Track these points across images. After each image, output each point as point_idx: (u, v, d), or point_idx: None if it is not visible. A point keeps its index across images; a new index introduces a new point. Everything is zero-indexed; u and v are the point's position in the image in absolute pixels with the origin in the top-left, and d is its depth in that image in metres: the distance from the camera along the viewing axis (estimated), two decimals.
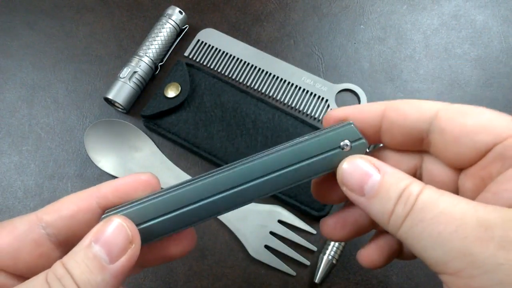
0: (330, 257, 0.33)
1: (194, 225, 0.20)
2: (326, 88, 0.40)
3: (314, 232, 0.35)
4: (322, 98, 0.40)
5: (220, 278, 0.35)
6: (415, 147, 0.20)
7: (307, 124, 0.38)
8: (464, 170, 0.19)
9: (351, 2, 0.43)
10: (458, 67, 0.41)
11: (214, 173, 0.20)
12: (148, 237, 0.19)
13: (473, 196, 0.18)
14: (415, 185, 0.17)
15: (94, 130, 0.38)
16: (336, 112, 0.21)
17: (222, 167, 0.20)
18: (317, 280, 0.33)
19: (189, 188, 0.19)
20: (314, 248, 0.35)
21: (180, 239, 0.21)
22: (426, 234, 0.16)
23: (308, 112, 0.39)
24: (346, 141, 0.20)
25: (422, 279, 0.34)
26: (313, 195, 0.23)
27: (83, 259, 0.16)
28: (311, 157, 0.20)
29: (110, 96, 0.38)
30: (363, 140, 0.20)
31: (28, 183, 0.38)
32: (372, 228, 0.23)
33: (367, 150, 0.20)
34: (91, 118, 0.40)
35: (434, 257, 0.16)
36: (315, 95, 0.40)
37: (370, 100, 0.40)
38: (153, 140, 0.39)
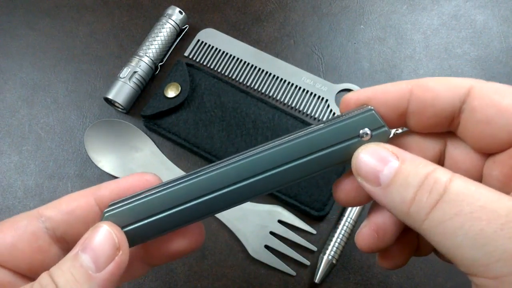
0: (330, 257, 0.33)
1: (192, 222, 0.19)
2: (326, 88, 0.40)
3: (314, 232, 0.35)
4: (322, 98, 0.40)
5: (220, 278, 0.35)
6: (442, 128, 0.19)
7: (307, 124, 0.38)
8: (492, 156, 0.18)
9: (351, 2, 0.43)
10: (458, 67, 0.41)
11: (221, 165, 0.18)
12: (140, 239, 0.18)
13: (500, 186, 0.17)
14: (442, 172, 0.15)
15: (94, 130, 0.38)
16: (356, 95, 0.19)
17: (228, 158, 0.18)
18: (317, 280, 0.33)
19: (186, 185, 0.18)
20: (314, 248, 0.35)
21: (187, 235, 0.20)
22: (463, 231, 0.14)
23: (308, 112, 0.39)
24: (366, 129, 0.18)
25: (422, 279, 0.34)
26: (334, 198, 0.21)
27: (69, 268, 0.16)
28: (327, 148, 0.18)
29: (110, 96, 0.38)
30: (385, 128, 0.18)
31: (28, 183, 0.38)
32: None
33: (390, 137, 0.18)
34: (91, 118, 0.40)
35: (471, 258, 0.14)
36: (315, 95, 0.40)
37: None
38: (153, 140, 0.39)
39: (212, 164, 0.19)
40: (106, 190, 0.19)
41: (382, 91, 0.19)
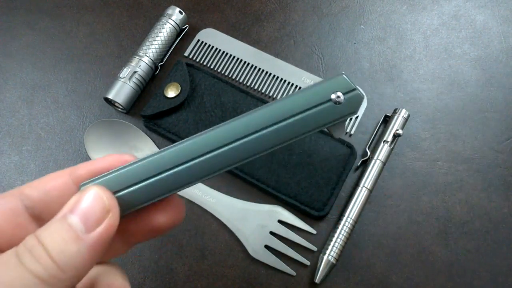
0: (330, 257, 0.33)
1: (175, 191, 0.18)
2: None
3: (314, 232, 0.35)
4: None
5: (220, 278, 0.35)
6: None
7: None
8: None
9: (351, 2, 0.43)
10: (458, 67, 0.41)
11: (197, 135, 0.18)
12: (128, 206, 0.18)
13: None
14: None
15: (94, 130, 0.38)
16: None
17: (208, 129, 0.18)
18: (317, 280, 0.33)
19: (167, 152, 0.18)
20: (314, 248, 0.35)
21: (166, 209, 0.20)
22: None
23: None
24: (338, 93, 0.18)
25: (422, 279, 0.34)
26: None
27: (58, 230, 0.16)
28: (300, 112, 0.18)
29: (110, 96, 0.38)
30: (357, 91, 0.18)
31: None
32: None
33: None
34: (91, 118, 0.40)
35: None
36: None
37: (370, 100, 0.40)
38: (153, 140, 0.39)
39: (180, 141, 0.19)
40: (83, 170, 0.19)
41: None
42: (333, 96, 0.18)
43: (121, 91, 0.38)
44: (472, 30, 0.42)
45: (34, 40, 0.43)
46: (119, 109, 0.40)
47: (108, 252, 0.18)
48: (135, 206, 0.18)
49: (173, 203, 0.20)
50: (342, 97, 0.18)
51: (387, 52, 0.41)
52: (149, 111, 0.38)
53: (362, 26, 0.43)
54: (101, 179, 0.18)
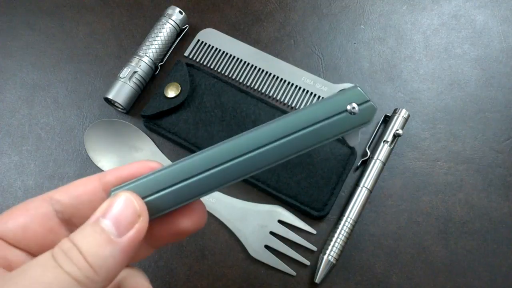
0: (330, 257, 0.33)
1: (200, 197, 0.19)
2: (326, 88, 0.40)
3: (314, 232, 0.35)
4: (322, 98, 0.40)
5: (220, 278, 0.35)
6: None
7: None
8: None
9: (351, 2, 0.43)
10: (458, 67, 0.41)
11: (221, 143, 0.19)
12: (156, 211, 0.19)
13: None
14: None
15: (94, 130, 0.38)
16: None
17: (230, 138, 0.20)
18: (317, 280, 0.33)
19: (194, 159, 0.19)
20: (314, 248, 0.35)
21: (190, 213, 0.21)
22: None
23: None
24: (354, 104, 0.19)
25: (422, 279, 0.34)
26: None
27: (91, 233, 0.16)
28: (318, 122, 0.19)
29: (110, 96, 0.38)
30: (371, 103, 0.20)
31: (28, 183, 0.38)
32: None
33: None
34: (91, 118, 0.40)
35: None
36: (315, 95, 0.40)
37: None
38: (153, 140, 0.39)
39: (204, 149, 0.20)
40: (111, 176, 0.20)
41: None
42: (348, 107, 0.19)
43: (121, 91, 0.38)
44: (472, 30, 0.42)
45: (34, 40, 0.43)
46: (119, 109, 0.40)
47: (134, 255, 0.19)
48: (163, 210, 0.19)
49: (196, 208, 0.21)
50: (357, 108, 0.19)
51: (387, 52, 0.41)
52: (149, 111, 0.38)
53: (362, 26, 0.43)
54: (131, 185, 0.19)
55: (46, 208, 0.19)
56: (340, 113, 0.19)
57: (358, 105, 0.19)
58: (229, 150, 0.19)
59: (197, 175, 0.19)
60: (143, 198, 0.19)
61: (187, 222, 0.20)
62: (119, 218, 0.17)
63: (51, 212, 0.19)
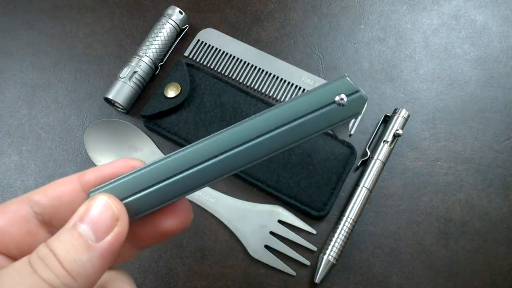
0: (330, 257, 0.33)
1: (182, 196, 0.19)
2: None
3: (314, 232, 0.35)
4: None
5: (220, 278, 0.35)
6: None
7: None
8: None
9: (351, 2, 0.43)
10: (458, 67, 0.41)
11: (203, 139, 0.18)
12: (137, 212, 0.18)
13: None
14: None
15: (94, 130, 0.38)
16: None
17: (213, 134, 0.19)
18: (317, 280, 0.33)
19: (173, 158, 0.18)
20: (314, 248, 0.35)
21: (174, 213, 0.20)
22: None
23: None
24: (342, 95, 0.18)
25: (422, 279, 0.34)
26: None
27: (68, 239, 0.16)
28: (305, 115, 0.18)
29: (110, 96, 0.38)
30: (361, 93, 0.18)
31: (28, 183, 0.38)
32: None
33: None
34: (91, 118, 0.40)
35: None
36: None
37: (370, 100, 0.40)
38: (153, 140, 0.39)
39: (185, 147, 0.19)
40: (91, 176, 0.19)
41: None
42: (337, 98, 0.18)
43: (121, 91, 0.38)
44: (472, 30, 0.42)
45: (34, 40, 0.43)
46: (119, 109, 0.40)
47: (117, 258, 0.18)
48: (144, 211, 0.18)
49: (181, 207, 0.20)
50: (345, 99, 0.18)
51: (387, 52, 0.41)
52: (149, 111, 0.38)
53: (362, 26, 0.43)
54: (110, 186, 0.18)
55: (24, 210, 0.18)
56: (328, 104, 0.18)
57: (347, 96, 0.18)
58: (211, 146, 0.18)
59: (179, 173, 0.18)
60: (123, 199, 0.18)
61: (171, 222, 0.20)
62: (97, 222, 0.16)
63: (30, 214, 0.18)
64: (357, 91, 0.18)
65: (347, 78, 0.18)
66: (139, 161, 0.19)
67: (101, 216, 0.17)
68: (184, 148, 0.19)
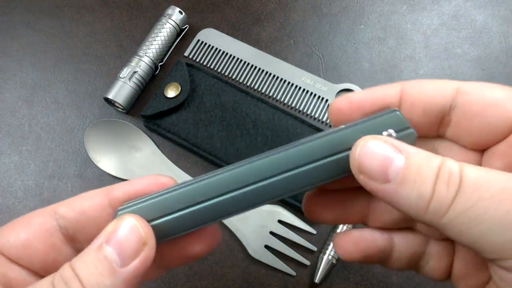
0: (330, 257, 0.33)
1: (213, 222, 0.18)
2: (326, 88, 0.40)
3: (314, 232, 0.35)
4: (322, 98, 0.40)
5: (220, 278, 0.35)
6: (431, 132, 0.18)
7: (307, 124, 0.38)
8: (488, 150, 0.17)
9: (351, 2, 0.43)
10: (458, 67, 0.41)
11: (239, 164, 0.17)
12: (165, 234, 0.17)
13: None
14: (451, 162, 0.15)
15: (94, 130, 0.38)
16: (347, 99, 0.18)
17: (247, 160, 0.18)
18: (317, 280, 0.33)
19: (207, 181, 0.17)
20: (314, 248, 0.35)
21: (202, 237, 0.19)
22: (487, 216, 0.14)
23: (308, 112, 0.39)
24: (391, 131, 0.17)
25: (422, 279, 0.34)
26: (304, 212, 0.20)
27: (93, 261, 0.15)
28: (346, 150, 0.17)
29: (110, 96, 0.38)
30: (411, 130, 0.17)
31: (28, 183, 0.38)
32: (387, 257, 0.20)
33: None
34: (91, 118, 0.40)
35: (499, 241, 0.14)
36: (315, 95, 0.40)
37: None
38: (153, 140, 0.39)
39: (221, 169, 0.18)
40: (119, 191, 0.19)
41: (372, 94, 0.18)
42: (384, 134, 0.17)
43: (121, 91, 0.38)
44: (472, 30, 0.42)
45: (34, 40, 0.43)
46: (119, 109, 0.40)
47: (143, 276, 0.18)
48: (172, 235, 0.18)
49: (209, 231, 0.19)
50: (394, 135, 0.17)
51: (387, 52, 0.41)
52: (149, 111, 0.38)
53: (362, 26, 0.43)
54: (139, 205, 0.17)
55: (49, 223, 0.18)
56: None
57: (396, 132, 0.17)
58: (249, 172, 0.17)
59: (210, 199, 0.17)
60: (151, 220, 0.17)
61: (199, 246, 0.19)
62: (123, 245, 0.16)
63: (54, 227, 0.18)
64: (407, 128, 0.17)
65: (398, 113, 0.17)
66: (170, 179, 0.19)
67: (128, 239, 0.16)
68: (217, 171, 0.18)
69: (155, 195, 0.18)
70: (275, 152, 0.17)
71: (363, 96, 0.18)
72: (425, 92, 0.18)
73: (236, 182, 0.17)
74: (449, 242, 0.20)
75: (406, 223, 0.20)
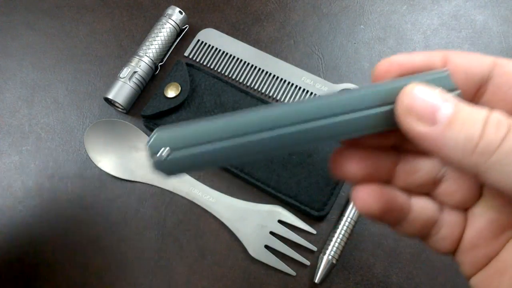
0: (330, 257, 0.33)
1: (257, 157, 0.18)
2: (326, 88, 0.40)
3: (314, 232, 0.35)
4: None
5: (220, 278, 0.35)
6: (466, 99, 0.19)
7: None
8: None
9: (351, 2, 0.43)
10: None
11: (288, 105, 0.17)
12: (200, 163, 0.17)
13: None
14: (498, 113, 0.15)
15: (94, 130, 0.38)
16: (385, 63, 0.19)
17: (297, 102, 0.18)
18: (317, 280, 0.33)
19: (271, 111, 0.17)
20: (314, 248, 0.35)
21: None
22: None
23: None
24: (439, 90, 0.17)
25: (422, 279, 0.34)
26: (331, 169, 0.21)
27: None
28: (389, 104, 0.17)
29: (110, 96, 0.38)
30: (459, 91, 0.17)
31: (28, 183, 0.38)
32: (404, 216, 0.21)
33: None
34: (91, 118, 0.40)
35: None
36: (315, 95, 0.40)
37: None
38: None
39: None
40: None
41: (416, 57, 0.19)
42: None
43: (121, 91, 0.38)
44: (472, 30, 0.42)
45: (34, 40, 0.43)
46: (119, 109, 0.40)
47: None
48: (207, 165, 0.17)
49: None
50: None
51: (387, 52, 0.41)
52: (149, 111, 0.38)
53: (362, 26, 0.43)
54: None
55: None
56: None
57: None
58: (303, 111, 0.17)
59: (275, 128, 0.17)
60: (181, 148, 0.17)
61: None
62: None
63: None
64: (455, 89, 0.17)
65: (448, 74, 0.17)
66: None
67: None
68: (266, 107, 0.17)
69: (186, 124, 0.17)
70: (324, 97, 0.17)
71: (406, 58, 0.19)
72: (468, 60, 0.18)
73: (285, 120, 0.17)
74: (463, 211, 0.20)
75: (427, 188, 0.20)
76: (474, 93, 0.19)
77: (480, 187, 0.20)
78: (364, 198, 0.20)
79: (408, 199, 0.20)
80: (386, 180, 0.20)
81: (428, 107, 0.16)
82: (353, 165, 0.20)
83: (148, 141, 0.17)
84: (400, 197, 0.20)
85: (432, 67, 0.18)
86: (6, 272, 0.35)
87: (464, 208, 0.20)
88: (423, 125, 0.16)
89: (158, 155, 0.17)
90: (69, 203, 0.37)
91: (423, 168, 0.20)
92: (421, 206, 0.20)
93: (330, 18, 0.43)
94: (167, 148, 0.17)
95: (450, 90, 0.17)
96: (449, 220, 0.20)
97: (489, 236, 0.19)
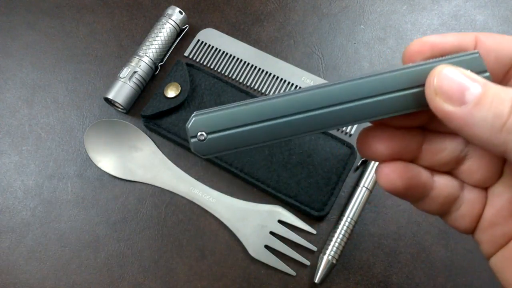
0: (330, 257, 0.33)
1: (285, 138, 0.18)
2: None
3: (314, 232, 0.35)
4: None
5: (220, 278, 0.35)
6: (495, 81, 0.19)
7: None
8: None
9: (351, 2, 0.43)
10: None
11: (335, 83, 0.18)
12: (231, 145, 0.19)
13: None
14: None
15: (94, 130, 0.38)
16: (417, 43, 0.19)
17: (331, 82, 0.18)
18: (317, 280, 0.33)
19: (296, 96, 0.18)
20: (314, 248, 0.35)
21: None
22: None
23: None
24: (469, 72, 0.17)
25: (422, 279, 0.34)
26: (357, 146, 0.21)
27: None
28: (418, 86, 0.18)
29: (110, 96, 0.38)
30: (488, 74, 0.18)
31: (28, 183, 0.38)
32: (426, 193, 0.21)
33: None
34: (91, 118, 0.40)
35: None
36: None
37: None
38: (153, 140, 0.39)
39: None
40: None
41: (447, 38, 0.19)
42: None
43: (121, 91, 0.38)
44: (472, 30, 0.42)
45: (34, 40, 0.43)
46: (119, 109, 0.40)
47: None
48: (237, 147, 0.19)
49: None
50: None
51: (387, 52, 0.41)
52: (149, 111, 0.38)
53: (362, 26, 0.43)
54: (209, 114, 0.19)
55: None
56: None
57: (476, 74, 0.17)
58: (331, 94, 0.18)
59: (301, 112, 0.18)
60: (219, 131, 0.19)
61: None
62: None
63: None
64: (485, 71, 0.17)
65: (479, 56, 0.18)
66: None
67: None
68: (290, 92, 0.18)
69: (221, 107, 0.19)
70: (356, 80, 0.18)
71: (439, 39, 0.19)
72: (499, 42, 0.18)
73: (315, 103, 0.18)
74: (483, 190, 0.20)
75: (450, 166, 0.21)
76: (504, 74, 0.19)
77: (501, 167, 0.20)
78: (389, 174, 0.20)
79: (431, 177, 0.21)
80: (412, 159, 0.21)
81: (457, 87, 0.16)
82: (381, 145, 0.20)
83: (187, 124, 0.19)
84: (424, 174, 0.20)
85: (463, 49, 0.19)
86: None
87: (485, 187, 0.20)
88: (452, 105, 0.16)
89: (196, 138, 0.19)
90: (69, 203, 0.37)
91: (448, 148, 0.20)
92: (443, 184, 0.20)
93: (330, 18, 0.43)
94: (203, 132, 0.19)
95: (480, 71, 0.17)
96: (470, 198, 0.20)
97: (508, 215, 0.19)
